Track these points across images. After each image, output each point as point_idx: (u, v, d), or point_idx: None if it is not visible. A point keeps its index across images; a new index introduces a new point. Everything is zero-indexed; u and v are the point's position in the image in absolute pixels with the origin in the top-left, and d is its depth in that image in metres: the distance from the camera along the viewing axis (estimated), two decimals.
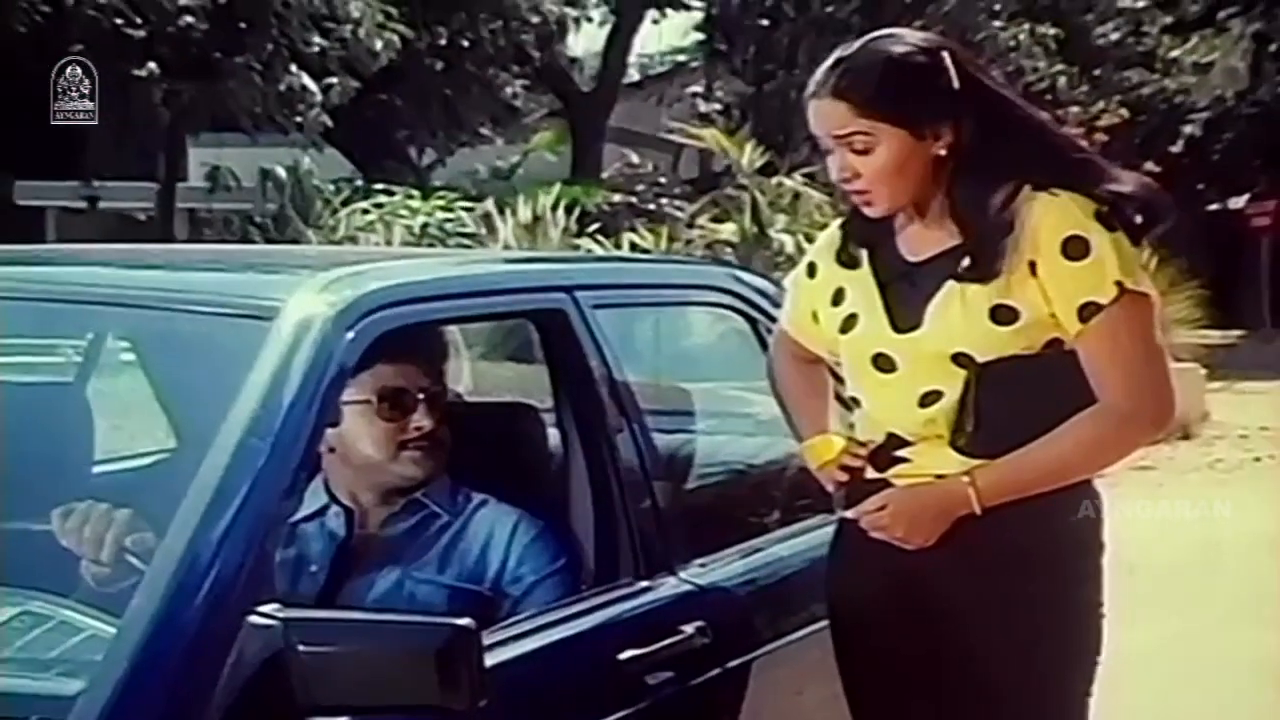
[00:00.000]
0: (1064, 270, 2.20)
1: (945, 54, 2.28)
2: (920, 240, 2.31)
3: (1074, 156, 2.31)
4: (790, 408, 2.51)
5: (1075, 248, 2.20)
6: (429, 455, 2.43)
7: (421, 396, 2.42)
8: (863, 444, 2.34)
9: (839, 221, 2.44)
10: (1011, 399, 2.23)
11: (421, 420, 2.41)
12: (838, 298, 2.37)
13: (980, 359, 2.22)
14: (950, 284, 2.24)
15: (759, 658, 2.50)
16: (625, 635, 2.29)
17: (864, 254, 2.35)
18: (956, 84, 2.25)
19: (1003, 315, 2.22)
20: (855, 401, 2.37)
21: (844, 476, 2.36)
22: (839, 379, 2.46)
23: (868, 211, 2.31)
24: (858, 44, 2.32)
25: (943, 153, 2.25)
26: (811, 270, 2.45)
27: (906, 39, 2.31)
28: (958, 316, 2.23)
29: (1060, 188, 2.23)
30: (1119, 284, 2.20)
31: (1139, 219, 2.25)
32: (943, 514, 2.25)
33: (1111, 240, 2.21)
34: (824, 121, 2.28)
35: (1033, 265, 2.21)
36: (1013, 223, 2.21)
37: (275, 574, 1.97)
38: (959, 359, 2.23)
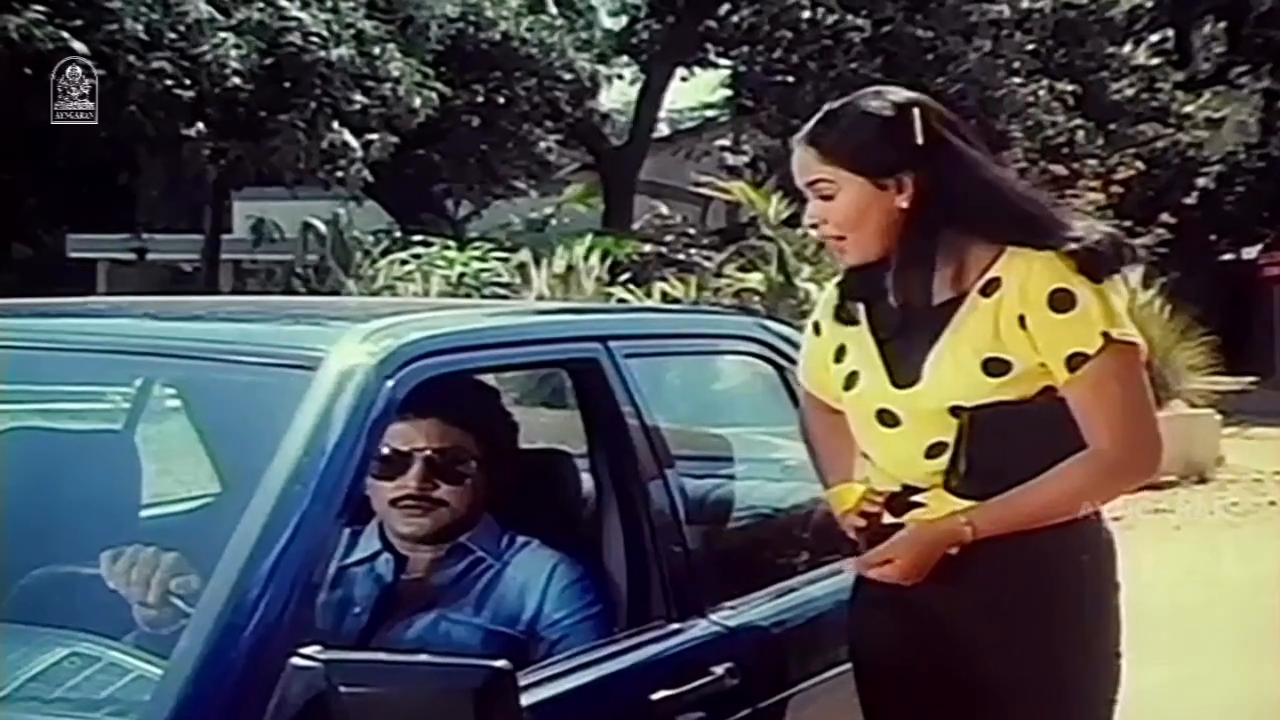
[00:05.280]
0: (1051, 322, 2.26)
1: (915, 110, 2.34)
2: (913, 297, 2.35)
3: (1030, 211, 2.36)
4: (817, 456, 2.57)
5: (1061, 301, 2.26)
6: (422, 514, 2.45)
7: (419, 457, 2.44)
8: (879, 492, 2.39)
9: (836, 280, 2.50)
10: (1000, 443, 2.28)
11: (408, 481, 2.43)
12: (839, 355, 2.43)
13: (969, 406, 2.28)
14: (944, 340, 2.30)
15: (788, 698, 2.54)
16: (657, 676, 2.33)
17: (861, 310, 2.41)
18: (920, 139, 2.31)
19: (994, 367, 2.27)
20: (865, 455, 2.42)
21: (862, 523, 2.40)
22: None
23: (842, 259, 2.40)
24: (844, 100, 2.40)
25: (905, 205, 2.31)
26: (816, 329, 2.52)
27: (885, 95, 2.39)
28: (950, 370, 2.29)
29: (1017, 243, 2.29)
30: (1105, 334, 2.26)
31: (1099, 269, 2.30)
32: (938, 550, 2.30)
33: (1095, 292, 2.27)
34: (796, 167, 2.38)
35: (1022, 319, 2.27)
36: (937, 268, 2.29)
37: (319, 615, 2.01)
38: (955, 411, 2.29)
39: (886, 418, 2.34)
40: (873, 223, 2.33)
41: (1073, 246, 2.28)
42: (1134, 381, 2.31)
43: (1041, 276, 2.26)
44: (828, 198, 2.34)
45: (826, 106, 2.40)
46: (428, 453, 2.45)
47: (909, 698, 2.38)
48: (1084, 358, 2.26)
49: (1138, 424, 2.31)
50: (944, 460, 2.30)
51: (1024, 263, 2.28)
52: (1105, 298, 2.28)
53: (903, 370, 2.33)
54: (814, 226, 2.38)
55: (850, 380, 2.40)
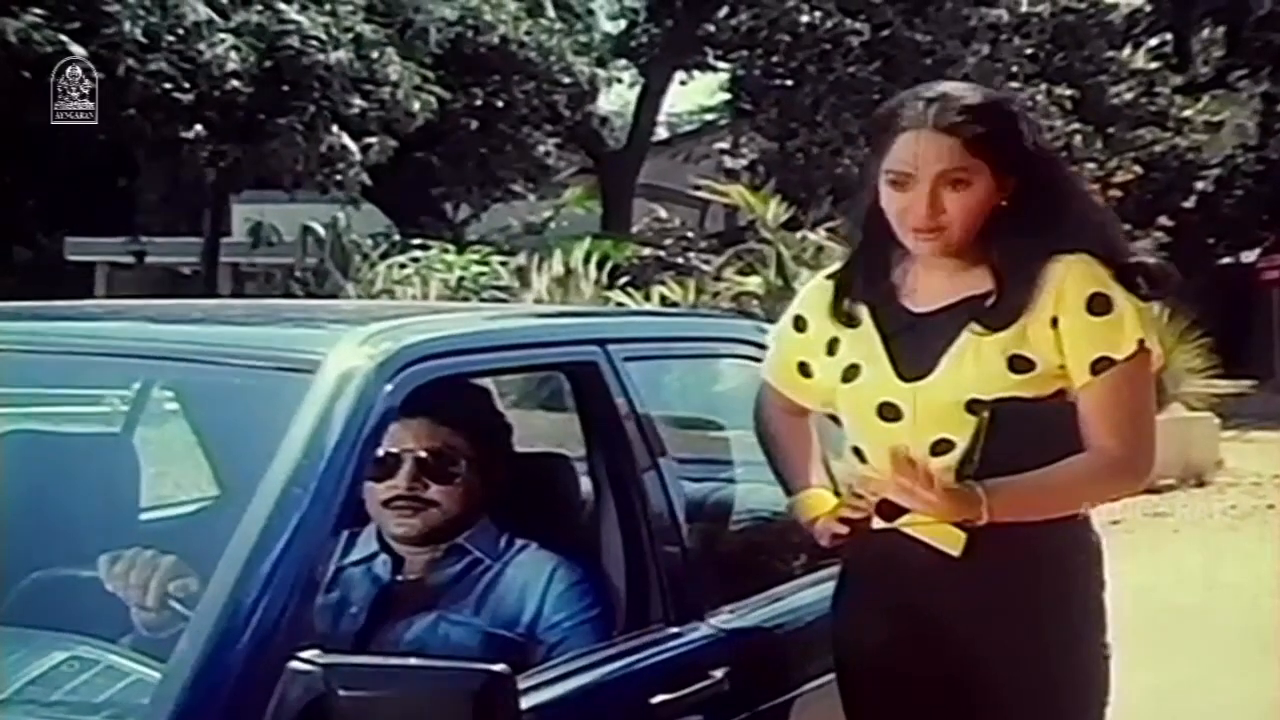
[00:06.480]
0: (1085, 325, 2.26)
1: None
2: (931, 291, 2.34)
3: (1103, 224, 2.38)
4: (777, 460, 2.52)
5: (1099, 304, 2.26)
6: (412, 515, 2.45)
7: (410, 458, 2.44)
8: (861, 496, 2.34)
9: (825, 273, 2.47)
10: (1017, 441, 2.27)
11: (398, 482, 2.44)
12: (832, 347, 2.39)
13: (988, 400, 2.26)
14: (968, 333, 2.28)
15: (787, 702, 2.54)
16: (656, 680, 2.33)
17: (864, 311, 2.37)
18: (1030, 141, 2.32)
19: (1019, 365, 2.27)
20: (857, 453, 2.37)
21: (843, 529, 2.36)
22: (837, 423, 2.46)
23: (932, 251, 2.30)
24: (945, 86, 2.37)
25: (1004, 203, 2.30)
26: (799, 324, 2.46)
27: (1001, 93, 2.36)
28: (972, 364, 2.27)
29: (1085, 253, 2.29)
30: (1140, 342, 2.27)
31: (1148, 288, 2.31)
32: (958, 503, 2.24)
33: (1130, 300, 2.28)
34: (928, 155, 2.26)
35: (1055, 320, 2.26)
36: (1036, 279, 2.27)
37: (317, 617, 2.01)
38: (972, 405, 2.27)
39: (888, 411, 2.30)
40: (980, 217, 2.29)
41: (1125, 260, 2.30)
42: (1147, 388, 2.34)
43: (1081, 280, 2.27)
44: (958, 190, 2.26)
45: (933, 91, 2.33)
46: (418, 453, 2.45)
47: (905, 700, 2.37)
48: (1109, 362, 2.26)
49: (1141, 428, 2.32)
50: (950, 458, 2.27)
51: (1063, 266, 2.27)
52: (1139, 306, 2.30)
53: (911, 363, 2.30)
54: (931, 217, 2.25)
55: (850, 373, 2.35)
